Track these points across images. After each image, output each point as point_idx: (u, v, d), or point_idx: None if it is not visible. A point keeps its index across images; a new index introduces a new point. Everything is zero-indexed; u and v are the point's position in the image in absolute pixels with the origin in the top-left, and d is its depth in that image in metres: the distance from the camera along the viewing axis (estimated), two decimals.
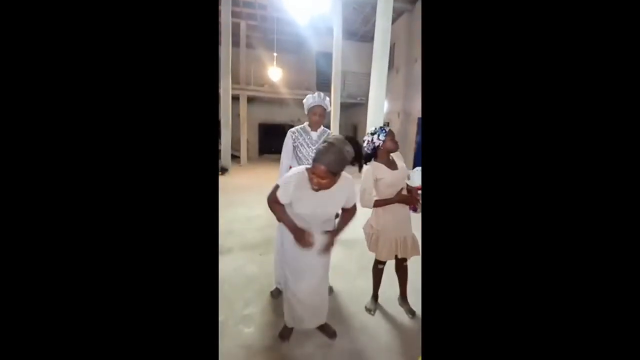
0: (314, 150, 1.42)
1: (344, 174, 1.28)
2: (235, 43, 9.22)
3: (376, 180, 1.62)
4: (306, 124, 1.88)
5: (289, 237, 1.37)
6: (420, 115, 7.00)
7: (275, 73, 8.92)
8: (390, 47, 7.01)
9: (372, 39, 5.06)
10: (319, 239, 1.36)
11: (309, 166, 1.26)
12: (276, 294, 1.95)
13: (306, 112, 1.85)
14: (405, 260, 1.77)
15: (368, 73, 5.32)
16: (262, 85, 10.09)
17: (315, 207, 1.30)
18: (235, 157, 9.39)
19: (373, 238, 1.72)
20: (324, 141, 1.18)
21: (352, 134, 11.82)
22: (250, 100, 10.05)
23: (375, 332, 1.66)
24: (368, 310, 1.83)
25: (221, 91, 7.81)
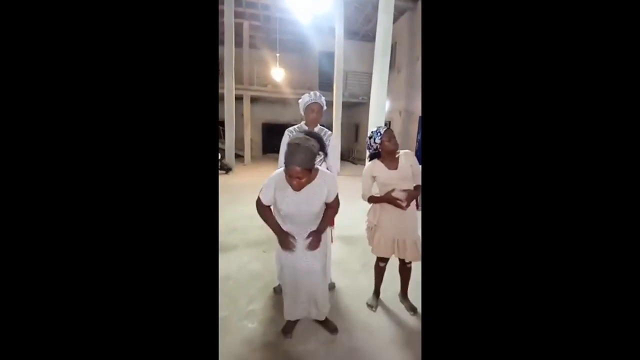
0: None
1: (322, 169, 1.38)
2: (239, 43, 9.27)
3: (374, 178, 1.71)
4: (303, 122, 1.91)
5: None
6: (421, 115, 6.99)
7: (278, 73, 8.96)
8: (392, 46, 7.00)
9: (373, 38, 5.06)
10: (305, 242, 1.42)
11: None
12: (279, 290, 1.99)
13: (302, 111, 1.87)
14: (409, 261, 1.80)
15: (370, 72, 5.33)
16: (266, 85, 10.14)
17: (299, 205, 1.35)
18: (239, 156, 9.45)
19: (371, 231, 1.78)
20: (289, 144, 1.24)
21: (354, 133, 11.83)
22: (254, 100, 10.10)
23: (377, 328, 1.69)
24: (369, 306, 1.86)
25: (224, 91, 7.86)
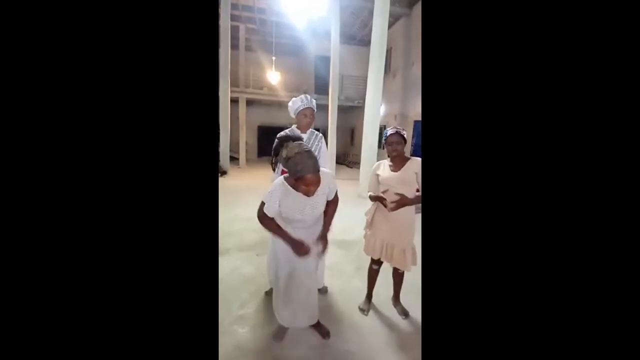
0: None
1: (322, 169, 1.35)
2: (235, 46, 9.29)
3: (378, 176, 1.72)
4: (294, 126, 1.89)
5: (281, 250, 1.42)
6: (416, 119, 7.06)
7: (273, 76, 8.98)
8: (388, 51, 7.06)
9: (369, 42, 5.10)
10: (310, 233, 1.42)
11: (286, 176, 1.33)
12: (271, 293, 1.97)
13: (293, 115, 1.87)
14: None
15: (366, 76, 5.36)
16: (261, 88, 10.14)
17: (304, 209, 1.35)
18: (234, 159, 9.42)
19: (366, 230, 1.79)
20: (287, 157, 1.23)
21: (349, 137, 11.87)
22: (250, 102, 10.10)
23: (369, 332, 1.68)
24: (361, 310, 1.85)
25: (220, 94, 7.84)
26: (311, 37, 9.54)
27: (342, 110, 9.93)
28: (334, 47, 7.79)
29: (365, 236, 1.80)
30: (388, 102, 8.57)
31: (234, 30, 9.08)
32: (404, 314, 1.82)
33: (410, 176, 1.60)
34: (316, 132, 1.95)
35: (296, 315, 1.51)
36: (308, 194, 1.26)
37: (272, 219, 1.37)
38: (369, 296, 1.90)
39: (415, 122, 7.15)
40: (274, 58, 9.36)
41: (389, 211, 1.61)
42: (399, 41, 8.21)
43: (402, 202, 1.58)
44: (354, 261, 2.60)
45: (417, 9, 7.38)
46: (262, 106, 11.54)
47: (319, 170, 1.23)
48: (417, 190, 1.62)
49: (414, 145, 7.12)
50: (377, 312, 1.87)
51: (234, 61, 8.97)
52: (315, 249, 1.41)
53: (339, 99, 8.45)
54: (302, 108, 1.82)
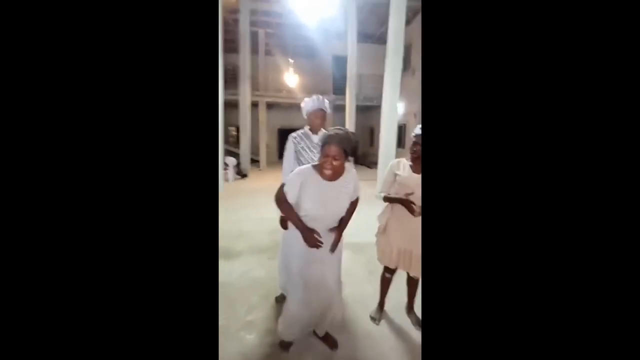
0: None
1: (347, 165, 1.29)
2: (255, 51, 9.47)
3: (395, 176, 1.58)
4: (307, 128, 1.84)
5: (297, 245, 1.32)
6: None
7: (291, 79, 9.05)
8: (406, 48, 6.85)
9: None
10: (327, 239, 1.31)
11: (315, 163, 1.28)
12: (281, 299, 1.93)
13: (305, 116, 1.82)
14: None
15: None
16: (281, 91, 10.26)
17: (325, 204, 1.25)
18: (255, 162, 9.58)
19: (379, 236, 1.67)
20: (327, 132, 1.22)
21: (369, 137, 11.69)
22: (270, 106, 10.24)
23: (379, 342, 1.59)
24: (373, 319, 1.76)
25: (240, 98, 8.03)
26: (327, 38, 9.51)
27: (361, 110, 9.80)
28: (351, 47, 7.70)
29: (377, 243, 1.69)
30: (407, 100, 8.32)
31: (254, 36, 9.26)
32: (418, 324, 1.70)
33: None
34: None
35: (303, 329, 1.44)
36: (326, 170, 1.19)
37: (290, 204, 1.28)
38: (381, 304, 1.81)
39: None
40: (291, 61, 9.43)
41: (415, 216, 1.46)
42: (418, 37, 7.94)
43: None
44: (367, 265, 2.50)
45: None
46: (281, 109, 11.67)
47: (346, 148, 1.18)
48: None
49: None
50: (389, 321, 1.77)
51: (254, 66, 9.15)
52: (325, 242, 1.30)
53: (357, 98, 8.34)
54: (313, 109, 1.76)
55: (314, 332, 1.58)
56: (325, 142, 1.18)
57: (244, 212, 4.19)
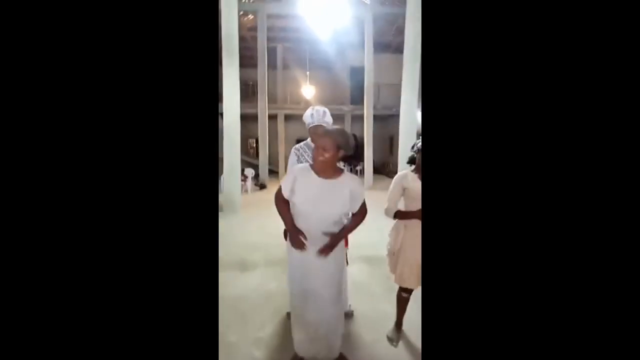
0: None
1: (348, 173, 1.30)
2: (273, 65, 9.74)
3: (404, 190, 1.48)
4: (309, 139, 1.77)
5: (295, 255, 1.30)
6: None
7: (308, 91, 9.17)
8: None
9: None
10: (320, 243, 1.25)
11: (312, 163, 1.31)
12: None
13: (307, 128, 1.76)
14: None
15: None
16: (299, 103, 10.42)
17: (315, 202, 1.23)
18: (273, 172, 9.69)
19: (393, 258, 1.55)
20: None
21: (389, 146, 11.53)
22: (287, 118, 10.41)
23: None
24: (390, 340, 1.64)
25: (258, 111, 8.23)
26: (344, 49, 9.60)
27: (380, 119, 9.70)
28: (368, 56, 7.71)
29: (391, 264, 1.57)
30: None
31: (272, 51, 9.54)
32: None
33: None
34: None
35: (312, 345, 1.36)
36: (318, 158, 1.20)
37: (285, 200, 1.29)
38: (399, 325, 1.68)
39: None
40: (308, 73, 9.59)
41: None
42: None
43: None
44: (384, 281, 2.36)
45: None
46: (299, 120, 11.71)
47: (338, 143, 1.19)
48: None
49: None
50: (408, 343, 1.64)
51: (273, 80, 9.38)
52: (310, 263, 1.26)
53: (375, 107, 8.27)
54: (311, 125, 1.67)
55: None
56: (317, 138, 1.25)
57: (261, 223, 4.18)
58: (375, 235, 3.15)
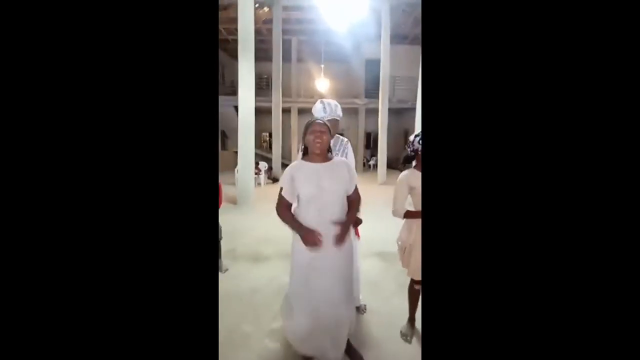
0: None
1: (337, 157, 1.41)
2: (288, 58, 9.70)
3: (410, 189, 1.47)
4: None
5: (302, 254, 1.29)
6: None
7: (322, 84, 9.10)
8: None
9: None
10: (330, 238, 1.26)
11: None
12: None
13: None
14: None
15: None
16: (312, 97, 10.37)
17: (319, 184, 1.27)
18: (286, 166, 9.73)
19: (405, 252, 1.54)
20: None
21: (403, 140, 11.34)
22: (301, 111, 10.40)
23: None
24: (403, 336, 1.63)
25: (272, 105, 8.25)
26: (359, 41, 9.43)
27: (395, 112, 9.54)
28: (384, 48, 7.54)
29: (404, 260, 1.56)
30: None
31: (287, 44, 9.48)
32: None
33: None
34: (341, 137, 1.82)
35: (315, 343, 1.34)
36: (315, 141, 1.26)
37: (289, 208, 1.35)
38: (412, 320, 1.67)
39: None
40: (322, 66, 9.50)
41: None
42: None
43: None
44: (397, 276, 2.35)
45: None
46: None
47: (331, 122, 1.33)
48: None
49: None
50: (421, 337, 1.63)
51: (287, 73, 9.35)
52: (327, 242, 1.26)
53: (390, 101, 8.13)
54: (325, 119, 1.61)
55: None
56: (310, 124, 1.32)
57: (274, 216, 4.22)
58: (387, 231, 3.13)
